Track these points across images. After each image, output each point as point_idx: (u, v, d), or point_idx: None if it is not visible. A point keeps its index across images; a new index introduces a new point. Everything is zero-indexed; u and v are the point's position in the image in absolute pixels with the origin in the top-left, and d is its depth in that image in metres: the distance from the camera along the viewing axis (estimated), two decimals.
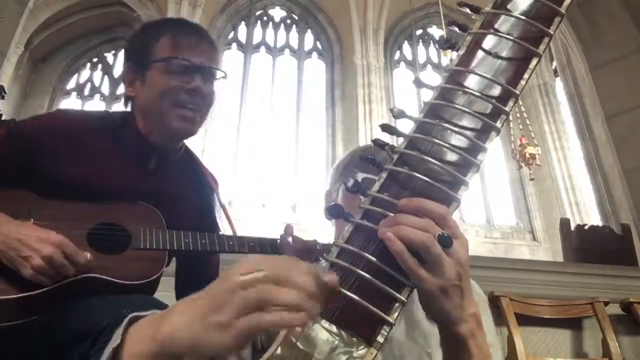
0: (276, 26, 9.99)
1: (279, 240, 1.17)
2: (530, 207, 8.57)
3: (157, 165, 1.13)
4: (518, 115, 7.13)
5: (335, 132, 8.56)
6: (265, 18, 9.99)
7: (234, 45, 9.48)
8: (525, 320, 2.52)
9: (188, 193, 1.20)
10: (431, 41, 10.12)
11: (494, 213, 8.56)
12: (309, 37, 9.93)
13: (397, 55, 9.87)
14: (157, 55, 1.08)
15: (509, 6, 0.58)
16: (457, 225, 0.53)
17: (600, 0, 4.87)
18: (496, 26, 0.57)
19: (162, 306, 0.91)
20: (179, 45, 1.08)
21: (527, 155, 6.45)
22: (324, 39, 9.83)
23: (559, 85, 8.47)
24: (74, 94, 9.01)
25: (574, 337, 2.62)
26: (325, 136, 8.68)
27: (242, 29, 9.70)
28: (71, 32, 8.95)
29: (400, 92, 9.36)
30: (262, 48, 9.67)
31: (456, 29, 0.60)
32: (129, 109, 1.15)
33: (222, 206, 1.28)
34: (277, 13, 10.09)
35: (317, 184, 7.67)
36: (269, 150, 8.35)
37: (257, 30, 9.83)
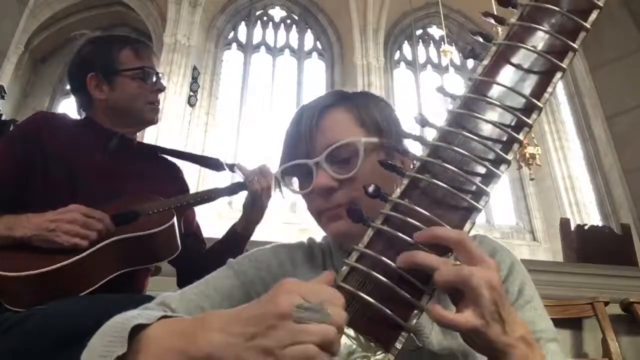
0: (276, 26, 9.98)
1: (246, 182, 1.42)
2: (530, 207, 8.56)
3: (119, 146, 1.32)
4: None
5: None
6: (265, 18, 9.98)
7: (234, 45, 9.47)
8: None
9: (157, 173, 1.39)
10: (431, 41, 10.09)
11: (493, 213, 8.55)
12: (309, 37, 9.92)
13: (397, 55, 9.86)
14: (125, 66, 1.33)
15: (535, 18, 0.57)
16: (476, 247, 0.51)
17: None
18: (521, 38, 0.57)
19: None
20: (140, 56, 1.36)
21: (527, 155, 6.42)
22: (324, 39, 9.82)
23: (559, 85, 8.45)
24: None
25: (574, 337, 2.62)
26: None
27: (242, 29, 9.69)
28: (71, 32, 8.86)
29: (400, 93, 9.35)
30: (262, 48, 9.66)
31: (480, 39, 0.59)
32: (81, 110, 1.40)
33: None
34: (277, 13, 10.08)
35: None
36: (269, 151, 8.34)
37: (257, 30, 9.81)
